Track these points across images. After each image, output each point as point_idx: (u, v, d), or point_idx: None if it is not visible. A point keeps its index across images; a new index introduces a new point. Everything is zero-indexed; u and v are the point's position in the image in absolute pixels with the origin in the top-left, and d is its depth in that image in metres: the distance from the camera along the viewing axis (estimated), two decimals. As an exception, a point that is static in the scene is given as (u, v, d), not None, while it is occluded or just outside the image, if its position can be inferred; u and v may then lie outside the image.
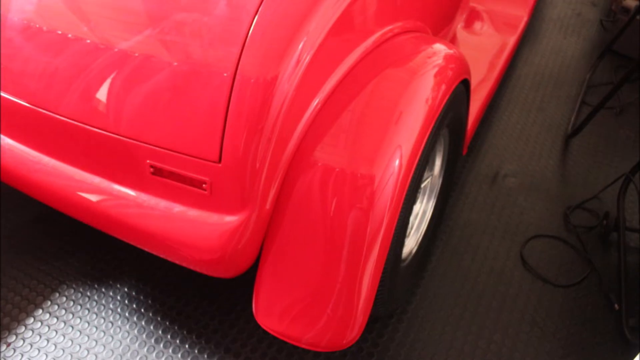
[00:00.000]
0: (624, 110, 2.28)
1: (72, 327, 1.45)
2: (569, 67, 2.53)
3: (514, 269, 1.63)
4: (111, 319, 1.47)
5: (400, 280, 1.34)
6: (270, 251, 1.10)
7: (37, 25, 1.11)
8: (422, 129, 1.09)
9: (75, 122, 1.11)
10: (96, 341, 1.42)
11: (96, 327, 1.45)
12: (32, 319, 1.47)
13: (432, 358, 1.40)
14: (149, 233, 1.12)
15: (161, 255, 1.20)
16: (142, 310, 1.49)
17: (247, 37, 0.96)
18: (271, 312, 1.12)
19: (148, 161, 1.06)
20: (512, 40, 2.28)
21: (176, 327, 1.45)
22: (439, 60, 1.23)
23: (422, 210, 1.54)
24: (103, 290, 1.54)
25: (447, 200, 1.72)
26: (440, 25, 1.76)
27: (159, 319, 1.47)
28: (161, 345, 1.41)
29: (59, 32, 1.09)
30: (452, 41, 2.14)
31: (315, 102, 1.08)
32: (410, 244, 1.47)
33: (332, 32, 1.04)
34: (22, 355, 1.39)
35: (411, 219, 1.47)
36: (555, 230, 1.75)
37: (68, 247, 1.66)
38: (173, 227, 1.09)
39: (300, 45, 0.98)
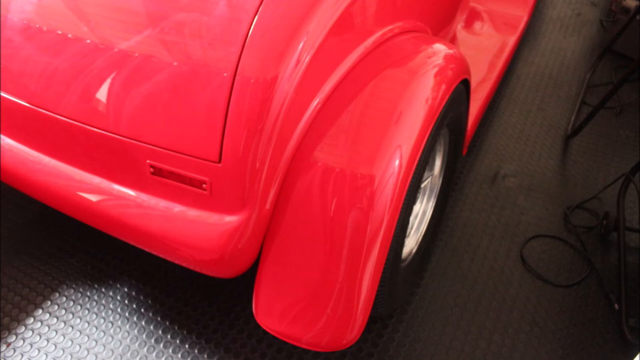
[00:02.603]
0: (624, 110, 2.28)
1: (72, 327, 1.45)
2: (569, 67, 2.53)
3: (514, 269, 1.63)
4: (111, 319, 1.47)
5: (400, 280, 1.34)
6: (270, 251, 1.10)
7: (37, 26, 1.11)
8: (422, 129, 1.09)
9: (75, 122, 1.11)
10: (96, 341, 1.42)
11: (96, 327, 1.45)
12: (32, 319, 1.47)
13: (432, 358, 1.40)
14: (149, 233, 1.12)
15: (161, 255, 1.20)
16: (142, 310, 1.49)
17: (247, 37, 0.96)
18: (271, 312, 1.12)
19: (148, 161, 1.06)
20: (512, 40, 2.28)
21: (176, 327, 1.45)
22: (439, 60, 1.23)
23: (422, 210, 1.54)
24: (103, 290, 1.54)
25: (447, 200, 1.72)
26: (440, 25, 1.76)
27: (159, 319, 1.47)
28: (161, 345, 1.41)
29: (59, 32, 1.09)
30: (452, 41, 2.14)
31: (315, 102, 1.08)
32: (410, 244, 1.47)
33: (332, 33, 1.04)
34: (22, 355, 1.39)
35: (411, 219, 1.47)
36: (555, 230, 1.75)
37: (68, 247, 1.66)
38: (173, 227, 1.09)
39: (300, 46, 0.98)
